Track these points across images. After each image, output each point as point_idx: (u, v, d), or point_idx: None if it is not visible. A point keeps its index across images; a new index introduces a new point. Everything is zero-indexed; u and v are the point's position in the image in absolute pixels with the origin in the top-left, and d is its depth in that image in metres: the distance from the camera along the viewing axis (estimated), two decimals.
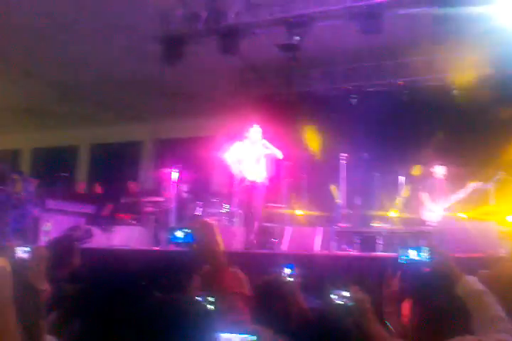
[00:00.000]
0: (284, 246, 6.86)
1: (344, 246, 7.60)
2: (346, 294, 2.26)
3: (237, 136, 7.15)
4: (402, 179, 8.19)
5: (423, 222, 7.58)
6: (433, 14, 6.91)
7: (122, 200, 9.85)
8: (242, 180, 6.99)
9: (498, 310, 1.99)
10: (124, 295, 1.69)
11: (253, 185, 6.94)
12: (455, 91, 9.25)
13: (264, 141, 6.98)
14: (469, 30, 7.43)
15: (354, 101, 9.91)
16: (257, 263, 5.18)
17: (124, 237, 7.84)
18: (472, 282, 2.10)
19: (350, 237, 7.84)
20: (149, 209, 9.17)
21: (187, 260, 2.53)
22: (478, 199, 7.72)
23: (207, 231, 2.16)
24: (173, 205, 8.35)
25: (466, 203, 7.58)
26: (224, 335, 1.54)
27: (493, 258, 2.74)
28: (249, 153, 6.99)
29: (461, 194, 7.44)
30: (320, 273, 3.76)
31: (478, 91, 8.87)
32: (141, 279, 1.90)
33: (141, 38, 8.34)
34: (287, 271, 3.78)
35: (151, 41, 8.12)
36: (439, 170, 7.77)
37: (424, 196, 7.65)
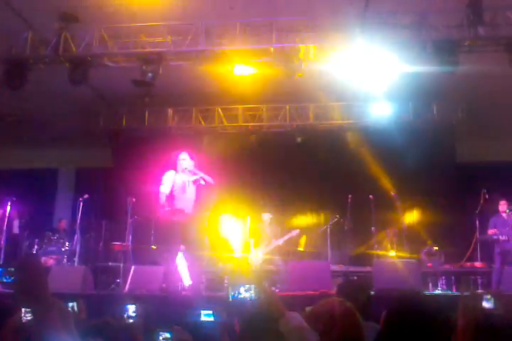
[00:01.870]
0: (128, 286, 6.57)
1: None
2: (168, 335, 2.22)
3: (167, 164, 6.50)
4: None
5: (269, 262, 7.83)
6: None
7: None
8: (170, 211, 6.32)
9: None
10: None
11: (185, 217, 6.26)
12: (298, 140, 9.92)
13: (193, 168, 6.36)
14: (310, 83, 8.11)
15: (206, 141, 10.11)
16: (101, 304, 4.89)
17: None
18: (294, 319, 2.18)
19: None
20: None
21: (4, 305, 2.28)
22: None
23: (30, 270, 1.96)
24: (3, 242, 7.59)
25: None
26: None
27: (320, 296, 2.89)
28: (179, 181, 6.34)
29: (282, 240, 7.93)
30: (157, 313, 3.65)
31: (318, 141, 9.71)
32: None
33: None
34: (130, 310, 3.62)
35: None
36: (266, 217, 8.28)
37: (251, 241, 7.97)
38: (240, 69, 7.66)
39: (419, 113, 9.65)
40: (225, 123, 10.12)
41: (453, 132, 9.82)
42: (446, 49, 6.77)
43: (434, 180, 9.23)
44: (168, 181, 6.30)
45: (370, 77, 7.44)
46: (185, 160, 6.41)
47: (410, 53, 7.02)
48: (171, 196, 6.28)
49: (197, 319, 3.03)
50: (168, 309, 4.66)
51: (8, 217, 7.82)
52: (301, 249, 8.14)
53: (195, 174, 6.36)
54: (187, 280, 6.51)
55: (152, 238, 7.89)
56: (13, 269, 5.44)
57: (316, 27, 7.16)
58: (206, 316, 3.32)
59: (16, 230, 8.44)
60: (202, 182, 6.32)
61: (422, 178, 9.20)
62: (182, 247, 6.66)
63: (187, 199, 6.31)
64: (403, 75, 7.57)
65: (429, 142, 9.52)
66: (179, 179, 6.34)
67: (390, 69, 7.30)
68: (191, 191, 6.36)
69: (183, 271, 6.56)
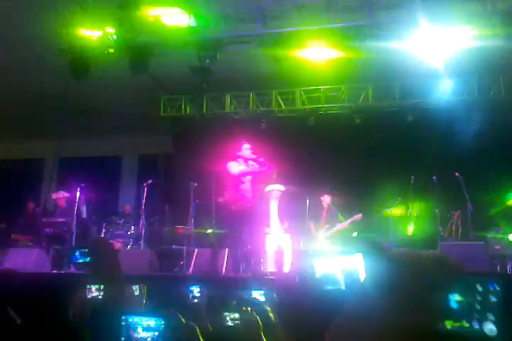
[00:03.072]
0: (192, 268, 6.77)
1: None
2: (237, 315, 2.25)
3: (231, 155, 6.77)
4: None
5: None
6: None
7: (19, 221, 9.25)
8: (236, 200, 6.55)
9: None
10: None
11: (246, 205, 6.56)
12: (357, 121, 9.73)
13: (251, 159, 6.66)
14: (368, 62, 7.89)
15: (263, 125, 10.09)
16: (167, 285, 5.06)
17: (20, 260, 7.29)
18: None
19: None
20: (49, 230, 8.66)
21: (75, 283, 2.41)
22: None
23: (104, 250, 2.04)
24: (74, 226, 7.96)
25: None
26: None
27: None
28: (243, 172, 6.61)
29: (346, 223, 7.78)
30: (220, 295, 3.74)
31: (378, 122, 9.47)
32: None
33: (46, 50, 7.99)
34: (195, 290, 3.74)
35: (56, 54, 7.80)
36: (327, 199, 8.07)
37: (311, 224, 7.90)
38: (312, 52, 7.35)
39: (485, 89, 9.21)
40: (283, 107, 10.08)
41: None
42: None
43: (502, 161, 8.81)
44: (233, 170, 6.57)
45: (434, 53, 7.14)
46: (248, 150, 6.67)
47: (476, 26, 6.68)
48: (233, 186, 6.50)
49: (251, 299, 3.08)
50: (229, 290, 4.75)
51: (79, 203, 8.17)
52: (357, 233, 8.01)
53: (253, 165, 6.61)
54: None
55: (214, 222, 8.02)
56: (86, 250, 5.72)
57: (376, 4, 6.93)
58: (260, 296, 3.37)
59: (84, 215, 8.81)
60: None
61: (488, 159, 8.81)
62: (267, 230, 6.87)
63: (245, 188, 6.53)
64: (467, 49, 7.22)
65: (495, 120, 9.08)
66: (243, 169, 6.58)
67: (455, 44, 6.97)
68: (247, 180, 6.57)
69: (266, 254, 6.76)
